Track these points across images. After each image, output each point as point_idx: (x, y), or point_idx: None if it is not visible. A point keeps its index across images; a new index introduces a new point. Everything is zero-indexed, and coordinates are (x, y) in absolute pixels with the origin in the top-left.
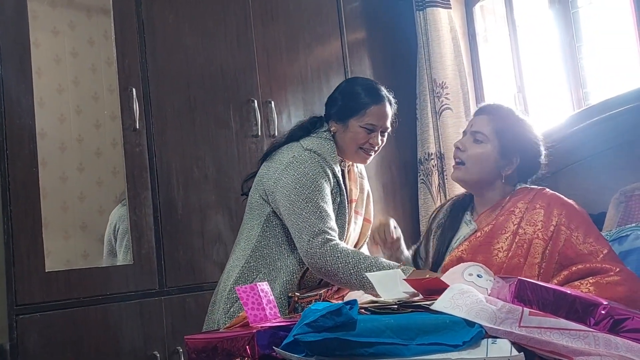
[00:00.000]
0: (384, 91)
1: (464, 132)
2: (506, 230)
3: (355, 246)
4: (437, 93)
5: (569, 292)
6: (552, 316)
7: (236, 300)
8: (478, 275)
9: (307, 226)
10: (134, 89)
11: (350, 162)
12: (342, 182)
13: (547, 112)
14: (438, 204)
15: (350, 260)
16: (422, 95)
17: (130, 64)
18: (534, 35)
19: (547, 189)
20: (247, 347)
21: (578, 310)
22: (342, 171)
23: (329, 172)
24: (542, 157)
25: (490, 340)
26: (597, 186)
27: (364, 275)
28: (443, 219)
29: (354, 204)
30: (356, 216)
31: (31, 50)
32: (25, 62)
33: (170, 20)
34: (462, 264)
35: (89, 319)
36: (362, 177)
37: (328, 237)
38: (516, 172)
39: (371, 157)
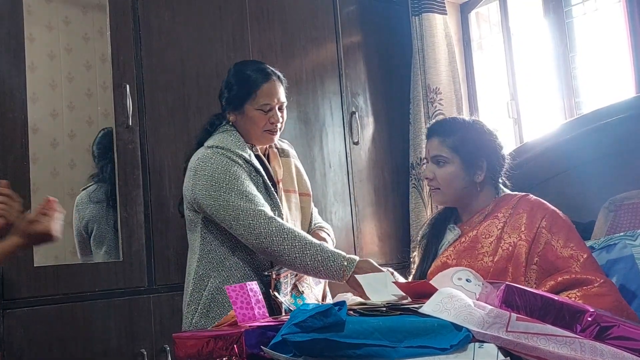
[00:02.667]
0: (270, 68)
1: (426, 159)
2: (490, 234)
3: (301, 224)
4: (431, 98)
5: (556, 298)
6: (539, 322)
7: (196, 311)
8: (467, 280)
9: (242, 212)
10: (127, 86)
11: (269, 144)
12: (258, 165)
13: (539, 120)
14: (429, 208)
15: (297, 244)
16: (416, 100)
17: (125, 61)
18: (528, 44)
19: (531, 195)
20: (235, 346)
21: (565, 317)
22: (258, 155)
23: (237, 159)
24: (503, 149)
25: (477, 344)
26: (587, 195)
27: (307, 262)
28: (427, 230)
29: (281, 184)
30: (290, 194)
31: (25, 45)
32: (19, 56)
33: (166, 18)
34: (451, 268)
35: (77, 315)
36: (287, 156)
37: (269, 215)
38: (489, 174)
39: (277, 135)
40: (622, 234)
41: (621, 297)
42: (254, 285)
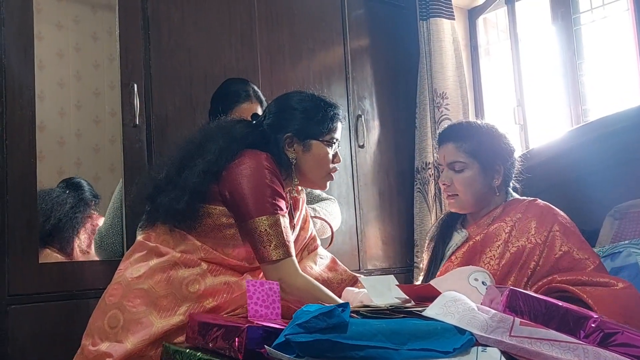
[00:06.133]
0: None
1: (440, 165)
2: (498, 238)
3: None
4: (437, 103)
5: (560, 304)
6: (543, 327)
7: None
8: (483, 282)
9: None
10: (135, 85)
11: None
12: None
13: (545, 127)
14: (433, 212)
15: None
16: (422, 104)
17: (133, 60)
18: (535, 50)
19: (539, 200)
20: (237, 339)
21: (569, 323)
22: None
23: None
24: (515, 152)
25: (480, 348)
26: (593, 202)
27: None
28: (435, 232)
29: None
30: None
31: (35, 43)
32: (28, 54)
33: (175, 19)
34: (469, 266)
35: (81, 312)
36: None
37: None
38: (503, 178)
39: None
40: (627, 241)
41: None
42: (274, 286)
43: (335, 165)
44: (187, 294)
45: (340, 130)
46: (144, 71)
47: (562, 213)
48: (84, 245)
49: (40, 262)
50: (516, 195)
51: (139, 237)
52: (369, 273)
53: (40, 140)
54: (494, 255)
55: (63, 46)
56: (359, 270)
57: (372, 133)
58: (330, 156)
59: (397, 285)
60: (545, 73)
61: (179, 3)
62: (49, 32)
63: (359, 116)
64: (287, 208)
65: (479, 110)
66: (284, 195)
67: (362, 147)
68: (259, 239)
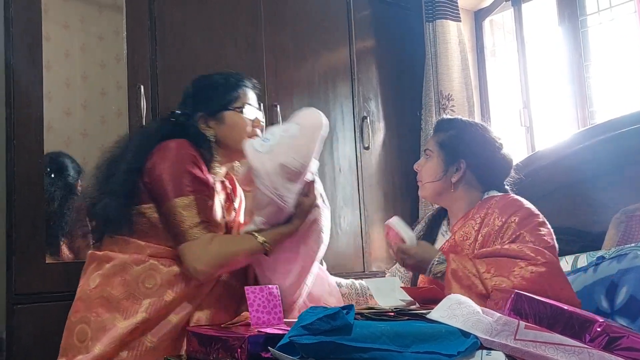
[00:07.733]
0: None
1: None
2: (469, 237)
3: None
4: (443, 105)
5: (565, 307)
6: (547, 331)
7: None
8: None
9: None
10: (142, 86)
11: None
12: None
13: (551, 129)
14: None
15: None
16: (428, 106)
17: (140, 61)
18: (542, 52)
19: (512, 195)
20: (239, 350)
21: (574, 326)
22: None
23: None
24: (501, 154)
25: (484, 351)
26: (599, 205)
27: None
28: (421, 232)
29: None
30: None
31: (42, 43)
32: (36, 54)
33: (181, 19)
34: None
35: None
36: None
37: None
38: (474, 176)
39: None
40: (633, 244)
41: (560, 282)
42: (274, 290)
43: (256, 129)
44: (145, 290)
45: (251, 95)
46: (150, 72)
47: (528, 205)
48: (74, 246)
49: (46, 262)
50: (493, 193)
51: (89, 252)
52: (373, 275)
53: (47, 140)
54: (467, 254)
55: (69, 46)
56: (364, 272)
57: (377, 135)
58: (248, 121)
59: (401, 287)
60: (552, 75)
61: (185, 4)
62: (55, 33)
63: (364, 118)
64: (211, 189)
65: (484, 112)
66: (204, 178)
67: (367, 148)
68: (175, 221)
